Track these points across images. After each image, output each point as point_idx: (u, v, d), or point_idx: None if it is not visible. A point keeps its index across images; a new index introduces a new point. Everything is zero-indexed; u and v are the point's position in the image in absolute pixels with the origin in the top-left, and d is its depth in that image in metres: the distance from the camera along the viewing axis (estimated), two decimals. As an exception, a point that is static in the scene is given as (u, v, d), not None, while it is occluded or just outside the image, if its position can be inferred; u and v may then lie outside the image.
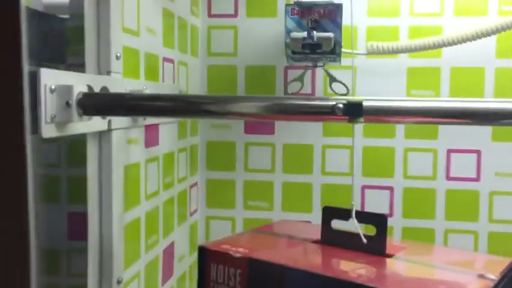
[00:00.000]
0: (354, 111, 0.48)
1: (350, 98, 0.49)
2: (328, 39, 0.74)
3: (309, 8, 0.75)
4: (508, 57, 0.93)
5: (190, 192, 0.98)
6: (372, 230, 0.60)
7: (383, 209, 0.98)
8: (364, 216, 0.59)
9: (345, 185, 0.99)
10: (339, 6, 0.76)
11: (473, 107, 0.47)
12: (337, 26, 0.76)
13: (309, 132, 0.99)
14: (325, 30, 0.75)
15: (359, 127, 0.98)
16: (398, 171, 0.97)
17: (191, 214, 0.99)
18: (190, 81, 0.96)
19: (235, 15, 0.99)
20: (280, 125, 1.00)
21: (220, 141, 1.02)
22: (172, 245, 0.88)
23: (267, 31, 0.99)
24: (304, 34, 0.75)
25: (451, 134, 0.96)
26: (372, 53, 0.88)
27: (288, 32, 0.77)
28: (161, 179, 0.83)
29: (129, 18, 0.68)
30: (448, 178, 0.96)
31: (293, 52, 0.78)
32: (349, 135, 0.97)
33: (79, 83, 0.52)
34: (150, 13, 0.76)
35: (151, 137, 0.78)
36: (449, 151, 0.96)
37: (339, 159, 0.99)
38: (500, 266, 0.56)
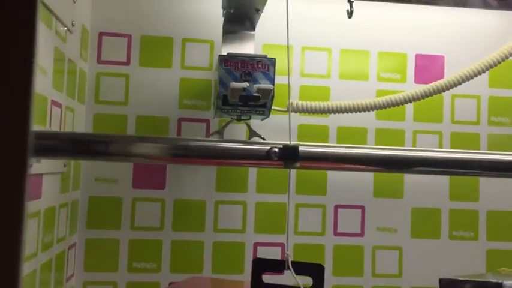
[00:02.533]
0: (289, 156, 0.47)
1: (285, 142, 0.48)
2: (268, 91, 0.72)
3: (243, 60, 0.74)
4: (386, 119, 1.01)
5: (68, 254, 0.87)
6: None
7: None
8: (299, 268, 0.56)
9: (238, 242, 0.96)
10: (272, 61, 0.75)
11: (405, 155, 0.49)
12: (270, 80, 0.75)
13: (201, 187, 0.96)
14: (257, 83, 0.73)
15: (252, 182, 0.97)
16: (289, 225, 0.97)
17: (67, 280, 0.87)
18: (76, 129, 0.87)
19: (127, 63, 0.94)
20: (171, 179, 0.95)
21: (105, 197, 0.93)
22: (47, 316, 0.76)
23: (161, 81, 0.95)
24: (245, 84, 0.72)
25: (338, 190, 0.99)
26: (292, 111, 0.87)
27: (223, 83, 0.73)
28: (40, 238, 0.72)
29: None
30: (336, 234, 0.99)
31: (224, 103, 0.75)
32: (243, 190, 0.96)
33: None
34: (42, 50, 0.69)
35: (33, 189, 0.68)
36: (337, 206, 0.99)
37: (231, 215, 0.96)
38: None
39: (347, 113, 0.86)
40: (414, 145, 1.01)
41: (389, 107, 0.85)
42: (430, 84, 0.85)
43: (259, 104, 0.74)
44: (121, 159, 0.61)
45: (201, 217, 0.95)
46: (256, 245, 0.97)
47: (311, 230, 0.98)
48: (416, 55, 1.02)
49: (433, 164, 0.57)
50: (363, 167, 0.49)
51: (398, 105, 0.85)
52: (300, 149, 0.47)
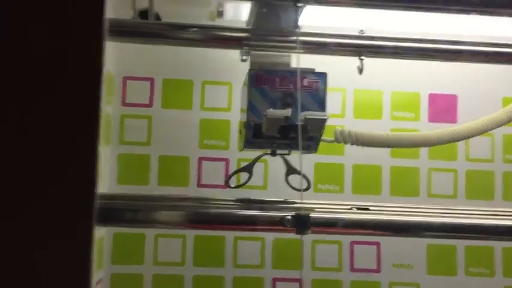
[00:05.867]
0: (301, 223, 0.48)
1: (299, 206, 0.50)
2: (321, 121, 0.53)
3: (283, 76, 0.55)
4: (401, 157, 1.03)
5: (93, 289, 0.91)
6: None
7: (292, 302, 0.99)
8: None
9: (257, 277, 0.98)
10: (323, 77, 0.57)
11: (412, 221, 0.51)
12: (319, 103, 0.55)
13: (221, 224, 0.99)
14: (303, 108, 0.54)
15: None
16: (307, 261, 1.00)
17: (92, 314, 0.91)
18: (101, 170, 0.92)
19: (150, 105, 0.99)
20: (191, 216, 0.99)
21: (128, 233, 0.97)
22: None
23: (182, 122, 1.00)
24: (287, 112, 0.52)
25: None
26: (340, 141, 0.71)
27: (254, 108, 0.54)
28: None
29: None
30: (352, 270, 1.01)
31: (255, 135, 0.57)
32: (261, 227, 0.99)
33: None
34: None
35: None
36: (353, 243, 1.01)
37: (250, 251, 0.99)
38: None
39: (403, 147, 0.80)
40: (429, 183, 1.02)
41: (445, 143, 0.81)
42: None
43: (305, 136, 0.55)
44: (145, 225, 0.63)
45: (221, 252, 0.98)
46: (274, 280, 0.99)
47: (328, 265, 1.00)
48: (430, 94, 1.05)
49: (440, 229, 0.58)
50: (371, 232, 0.52)
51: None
52: (311, 215, 0.49)
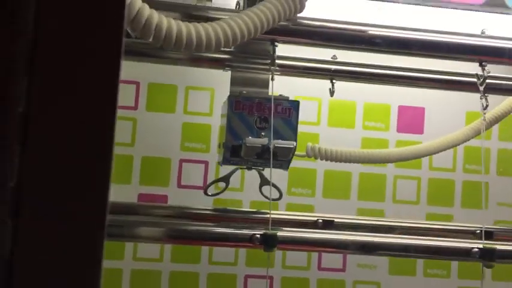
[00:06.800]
0: (269, 241, 0.54)
1: (268, 217, 0.56)
2: (288, 150, 0.63)
3: (260, 103, 0.63)
4: (369, 164, 1.10)
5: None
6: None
7: (263, 297, 1.05)
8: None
9: (230, 274, 1.05)
10: (295, 104, 0.64)
11: (372, 241, 0.58)
12: (291, 127, 0.64)
13: (199, 222, 1.04)
14: (276, 133, 0.62)
15: (245, 220, 1.06)
16: (278, 260, 1.06)
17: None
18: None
19: (135, 108, 1.03)
20: (171, 215, 1.04)
21: (110, 229, 1.02)
22: None
23: (165, 125, 1.04)
24: (264, 141, 0.61)
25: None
26: (311, 156, 0.85)
27: (232, 131, 0.63)
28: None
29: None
30: (320, 268, 1.08)
31: (233, 155, 0.66)
32: (237, 227, 1.05)
33: None
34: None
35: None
36: (322, 243, 1.08)
37: (225, 248, 1.05)
38: None
39: (367, 163, 0.90)
40: (394, 189, 1.10)
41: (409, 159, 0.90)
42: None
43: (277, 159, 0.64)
44: (126, 240, 0.68)
45: (198, 250, 1.04)
46: (246, 277, 1.05)
47: (297, 264, 1.07)
48: (399, 106, 1.11)
49: (399, 249, 0.65)
50: (335, 250, 0.58)
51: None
52: (278, 234, 0.54)
